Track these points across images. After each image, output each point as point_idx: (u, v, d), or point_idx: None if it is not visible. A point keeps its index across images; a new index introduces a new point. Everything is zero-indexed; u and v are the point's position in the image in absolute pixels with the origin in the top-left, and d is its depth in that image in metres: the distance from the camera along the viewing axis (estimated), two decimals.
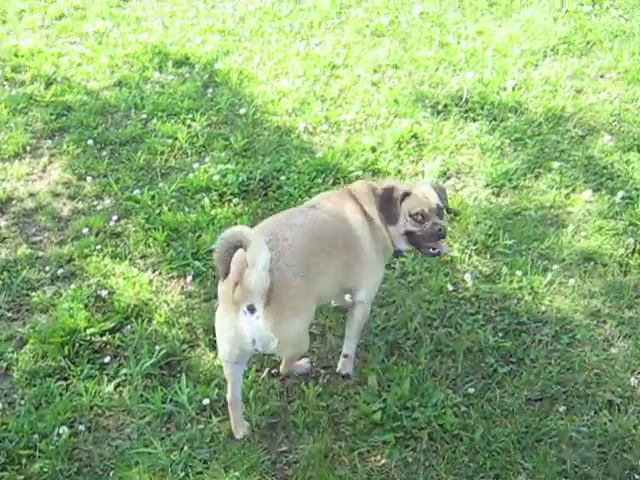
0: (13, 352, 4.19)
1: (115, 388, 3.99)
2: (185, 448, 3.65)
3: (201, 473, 3.56)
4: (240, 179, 5.28)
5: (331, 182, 5.27)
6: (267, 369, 4.02)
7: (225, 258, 3.24)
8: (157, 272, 4.69)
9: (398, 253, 3.96)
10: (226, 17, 7.94)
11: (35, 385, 4.01)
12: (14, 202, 5.38)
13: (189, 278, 4.61)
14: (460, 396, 3.82)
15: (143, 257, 4.81)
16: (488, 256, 4.67)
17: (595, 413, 3.74)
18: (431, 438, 3.63)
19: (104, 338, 4.24)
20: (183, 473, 3.55)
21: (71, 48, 7.36)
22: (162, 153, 5.73)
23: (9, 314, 4.48)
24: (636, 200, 4.96)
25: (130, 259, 4.79)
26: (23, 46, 7.42)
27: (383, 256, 3.86)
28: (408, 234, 3.79)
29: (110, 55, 7.16)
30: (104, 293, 4.51)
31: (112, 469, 3.61)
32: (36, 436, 3.73)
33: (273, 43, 7.27)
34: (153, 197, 5.25)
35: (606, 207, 5.00)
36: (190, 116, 6.12)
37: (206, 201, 5.14)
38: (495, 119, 5.92)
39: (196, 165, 5.54)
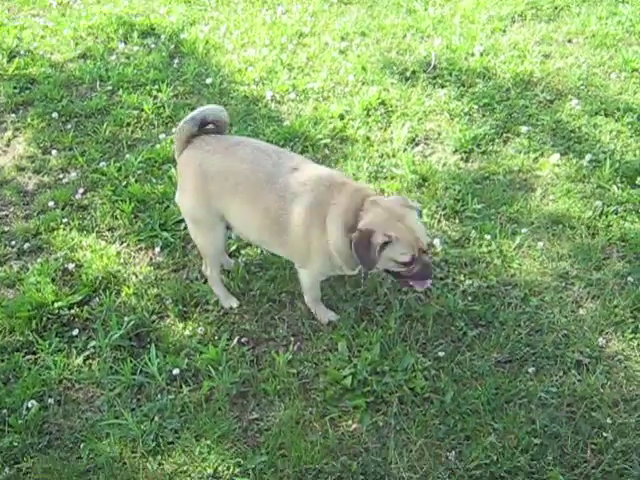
0: None
1: (84, 361, 3.97)
2: (156, 418, 3.65)
3: (172, 443, 3.57)
4: None
5: (299, 150, 5.23)
6: (237, 337, 4.01)
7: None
8: (125, 244, 4.65)
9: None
10: None
11: (3, 360, 3.98)
12: None
13: (157, 249, 4.57)
14: (430, 360, 3.84)
15: (110, 229, 4.76)
16: (457, 221, 4.68)
17: (564, 373, 3.78)
18: (402, 402, 3.65)
19: (72, 311, 4.21)
20: (154, 443, 3.56)
21: (34, 20, 7.21)
22: (128, 125, 5.66)
23: None
24: (603, 163, 4.98)
25: (97, 232, 4.74)
26: None
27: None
28: (389, 272, 3.63)
29: (74, 27, 7.03)
30: (71, 266, 4.46)
31: (82, 441, 3.60)
32: (5, 411, 3.72)
33: (239, 12, 7.17)
34: (119, 169, 5.18)
35: (574, 170, 5.01)
36: (156, 87, 6.04)
37: (173, 172, 5.08)
38: (463, 85, 5.90)
39: (162, 136, 5.47)
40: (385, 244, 3.41)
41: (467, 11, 6.89)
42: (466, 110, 5.61)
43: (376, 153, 5.23)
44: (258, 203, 3.66)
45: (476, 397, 3.64)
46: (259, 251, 4.50)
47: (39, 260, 4.53)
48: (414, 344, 3.93)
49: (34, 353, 4.02)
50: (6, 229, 4.83)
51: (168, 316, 4.19)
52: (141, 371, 3.88)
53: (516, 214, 4.71)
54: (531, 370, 3.78)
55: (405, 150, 5.25)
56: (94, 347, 4.02)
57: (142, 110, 5.78)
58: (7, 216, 4.96)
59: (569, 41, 6.46)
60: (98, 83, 6.19)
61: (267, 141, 5.22)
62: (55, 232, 4.74)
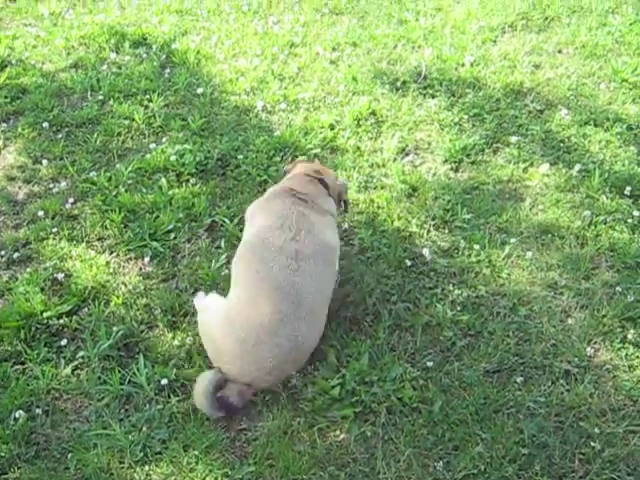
0: None
1: (72, 371, 3.95)
2: (144, 429, 3.64)
3: (160, 453, 3.55)
4: (198, 159, 5.24)
5: (289, 160, 5.24)
6: None
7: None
8: (114, 254, 4.65)
9: None
10: None
11: None
12: None
13: (147, 259, 4.57)
14: (419, 370, 3.84)
15: (100, 239, 4.76)
16: (446, 231, 4.69)
17: (552, 383, 3.78)
18: (390, 412, 3.65)
19: (61, 321, 4.19)
20: (142, 454, 3.54)
21: (26, 30, 7.22)
22: (119, 134, 5.66)
23: None
24: (592, 173, 5.00)
25: (87, 241, 4.73)
26: None
27: None
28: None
29: (66, 37, 7.03)
30: (61, 276, 4.45)
31: (70, 452, 3.58)
32: None
33: (231, 22, 7.19)
34: (110, 179, 5.19)
35: (563, 180, 5.03)
36: (147, 97, 6.05)
37: (163, 181, 5.09)
38: (454, 95, 5.92)
39: (153, 146, 5.47)
40: None
41: (458, 21, 6.92)
42: (456, 120, 5.63)
43: (366, 163, 5.25)
44: None
45: (464, 407, 3.64)
46: None
47: (28, 270, 4.52)
48: (403, 354, 3.93)
49: (22, 363, 4.00)
50: None
51: (157, 326, 4.18)
52: (129, 381, 3.86)
53: (505, 224, 4.72)
54: (519, 380, 3.78)
55: (395, 160, 5.27)
56: (82, 357, 4.01)
57: (133, 120, 5.79)
58: None
59: (559, 51, 6.49)
60: (89, 93, 6.19)
61: (257, 152, 5.26)
62: (45, 242, 4.73)
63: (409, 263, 4.43)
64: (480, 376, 3.80)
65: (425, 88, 6.02)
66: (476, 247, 4.51)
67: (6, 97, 6.15)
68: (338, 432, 3.60)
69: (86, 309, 4.28)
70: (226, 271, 4.42)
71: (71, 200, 5.05)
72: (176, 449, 3.55)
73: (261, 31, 6.95)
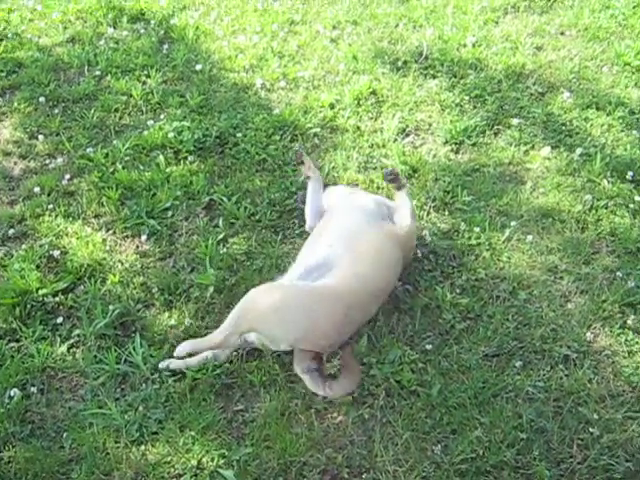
0: None
1: (68, 349, 3.92)
2: (140, 408, 3.61)
3: (156, 433, 3.53)
4: (196, 136, 5.17)
5: (289, 139, 5.19)
6: None
7: None
8: (111, 231, 4.60)
9: None
10: None
11: None
12: None
13: (144, 237, 4.52)
14: (417, 352, 3.81)
15: (97, 216, 4.71)
16: (446, 213, 4.65)
17: (551, 368, 3.76)
18: (388, 395, 3.62)
19: (57, 299, 4.14)
20: (138, 433, 3.52)
21: (22, 3, 7.10)
22: (116, 110, 5.59)
23: None
24: (594, 157, 4.96)
25: (83, 218, 4.68)
26: None
27: None
28: None
29: (63, 11, 6.93)
30: (56, 253, 4.40)
31: (65, 431, 3.56)
32: None
33: None
34: (107, 155, 5.12)
35: (564, 164, 4.99)
36: (145, 73, 5.97)
37: (161, 159, 5.03)
38: (455, 76, 5.85)
39: (151, 122, 5.40)
40: None
41: (460, 1, 6.84)
42: (457, 101, 5.57)
43: (366, 143, 5.19)
44: None
45: (463, 391, 3.62)
46: (246, 240, 4.46)
47: (24, 246, 4.47)
48: (401, 336, 3.91)
49: (17, 341, 3.96)
50: None
51: (154, 305, 4.14)
52: (125, 360, 3.83)
53: (506, 207, 4.68)
54: (518, 364, 3.76)
55: (395, 140, 5.21)
56: (78, 335, 3.97)
57: (130, 96, 5.72)
58: None
59: (562, 33, 6.43)
60: (86, 68, 6.11)
61: (256, 130, 5.21)
62: (40, 218, 4.67)
63: None
64: (479, 360, 3.78)
65: (426, 68, 5.95)
66: (476, 230, 4.47)
67: (2, 71, 6.07)
68: (336, 414, 3.58)
69: (82, 287, 4.24)
70: (224, 249, 4.39)
71: (67, 176, 4.99)
72: (172, 429, 3.52)
73: (261, 8, 6.86)
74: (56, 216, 4.69)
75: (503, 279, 4.22)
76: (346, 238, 3.93)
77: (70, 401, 3.71)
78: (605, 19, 6.52)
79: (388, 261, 3.95)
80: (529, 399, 3.61)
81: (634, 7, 6.66)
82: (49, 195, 4.87)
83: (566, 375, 3.72)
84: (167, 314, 4.07)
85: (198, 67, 6.01)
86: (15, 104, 5.70)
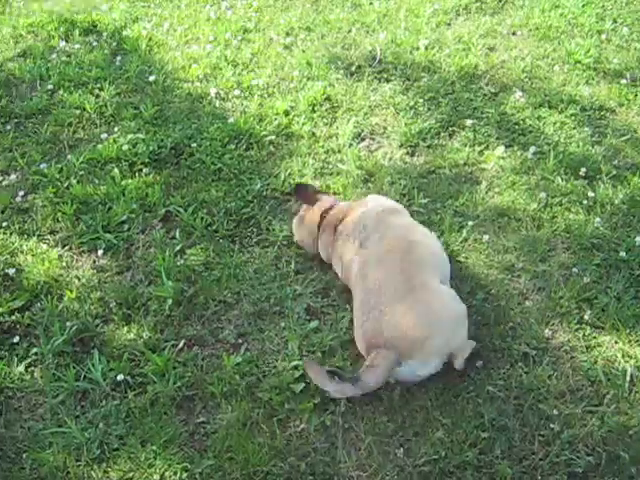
0: None
1: (26, 368, 3.87)
2: (100, 425, 3.57)
3: (118, 449, 3.49)
4: (151, 148, 5.14)
5: (244, 147, 5.18)
6: (182, 340, 3.95)
7: None
8: (67, 247, 4.55)
9: None
10: None
11: None
12: None
13: (100, 252, 4.48)
14: None
15: (52, 232, 4.66)
16: None
17: (511, 366, 3.78)
18: (349, 400, 3.61)
19: (13, 317, 4.10)
20: (99, 451, 3.48)
21: None
22: (70, 125, 5.55)
23: None
24: (547, 155, 5.01)
25: (38, 235, 4.63)
26: None
27: None
28: None
29: (13, 25, 6.88)
30: (11, 271, 4.35)
31: (25, 451, 3.51)
32: None
33: (183, 8, 7.08)
34: (61, 170, 5.08)
35: (519, 163, 5.04)
36: (98, 85, 5.93)
37: (116, 172, 4.99)
38: (408, 79, 5.89)
39: (105, 135, 5.36)
40: None
41: (412, 5, 6.89)
42: (411, 104, 5.60)
43: (322, 149, 5.20)
44: None
45: (424, 393, 3.64)
46: (204, 251, 4.44)
47: None
48: None
49: None
50: None
51: (112, 320, 4.10)
52: (85, 377, 3.79)
53: (462, 207, 4.71)
54: (479, 364, 3.78)
55: (351, 145, 5.22)
56: (36, 354, 3.92)
57: (84, 109, 5.67)
58: None
59: (513, 34, 6.49)
60: (38, 82, 6.05)
61: (211, 139, 5.19)
62: None
63: None
64: None
65: (380, 72, 5.98)
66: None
67: None
68: (298, 422, 3.57)
69: (39, 304, 4.19)
70: (182, 261, 4.37)
71: (21, 193, 4.94)
72: (134, 445, 3.49)
73: (214, 17, 6.85)
74: (10, 234, 4.64)
75: (461, 279, 4.24)
76: None
77: (29, 421, 3.66)
78: (555, 18, 6.59)
79: None
80: (490, 398, 3.63)
81: (583, 6, 6.74)
82: (3, 212, 4.81)
83: (526, 372, 3.74)
84: (126, 328, 4.03)
85: (152, 78, 5.98)
86: None
